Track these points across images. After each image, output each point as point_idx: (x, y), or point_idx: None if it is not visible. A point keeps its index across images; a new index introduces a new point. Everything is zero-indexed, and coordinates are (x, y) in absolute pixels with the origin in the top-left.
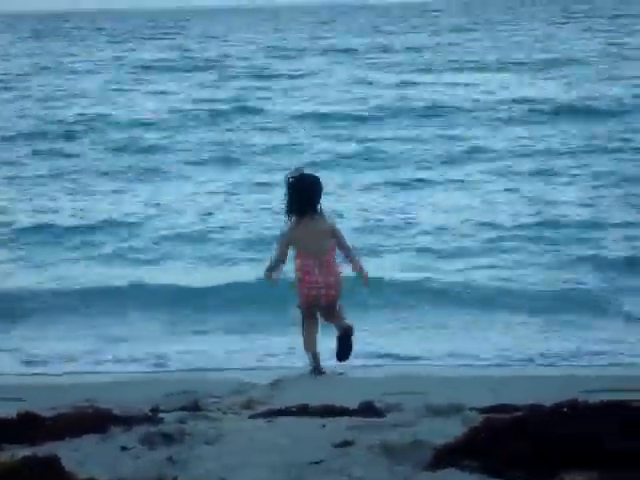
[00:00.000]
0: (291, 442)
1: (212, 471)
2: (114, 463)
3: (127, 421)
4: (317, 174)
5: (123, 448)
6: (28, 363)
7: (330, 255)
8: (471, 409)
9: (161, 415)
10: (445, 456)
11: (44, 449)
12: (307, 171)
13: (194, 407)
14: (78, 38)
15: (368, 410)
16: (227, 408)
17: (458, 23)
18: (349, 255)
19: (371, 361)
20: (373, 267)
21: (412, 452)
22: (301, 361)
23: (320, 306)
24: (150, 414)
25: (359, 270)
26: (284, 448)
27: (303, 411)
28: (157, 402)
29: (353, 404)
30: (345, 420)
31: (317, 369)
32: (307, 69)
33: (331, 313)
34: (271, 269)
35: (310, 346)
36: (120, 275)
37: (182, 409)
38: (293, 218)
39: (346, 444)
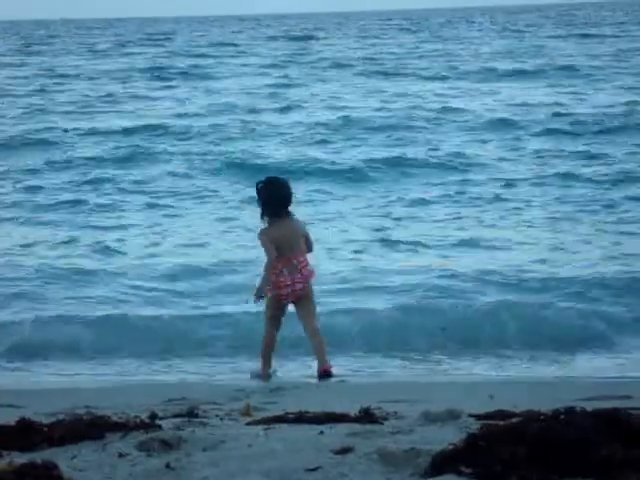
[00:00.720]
0: (289, 449)
1: (210, 478)
2: (112, 470)
3: (125, 427)
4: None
5: (121, 455)
6: (24, 368)
7: (300, 255)
8: (469, 416)
9: (159, 422)
10: (443, 463)
11: (42, 456)
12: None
13: (192, 414)
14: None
15: (367, 417)
16: (225, 415)
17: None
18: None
19: (369, 368)
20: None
21: (410, 459)
22: (300, 368)
23: (289, 302)
24: (148, 421)
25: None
26: (282, 455)
27: (301, 418)
28: (155, 408)
29: (352, 411)
30: (343, 427)
31: (263, 374)
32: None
33: (305, 306)
34: (263, 286)
35: (266, 353)
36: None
37: (180, 416)
38: (267, 220)
39: (344, 451)
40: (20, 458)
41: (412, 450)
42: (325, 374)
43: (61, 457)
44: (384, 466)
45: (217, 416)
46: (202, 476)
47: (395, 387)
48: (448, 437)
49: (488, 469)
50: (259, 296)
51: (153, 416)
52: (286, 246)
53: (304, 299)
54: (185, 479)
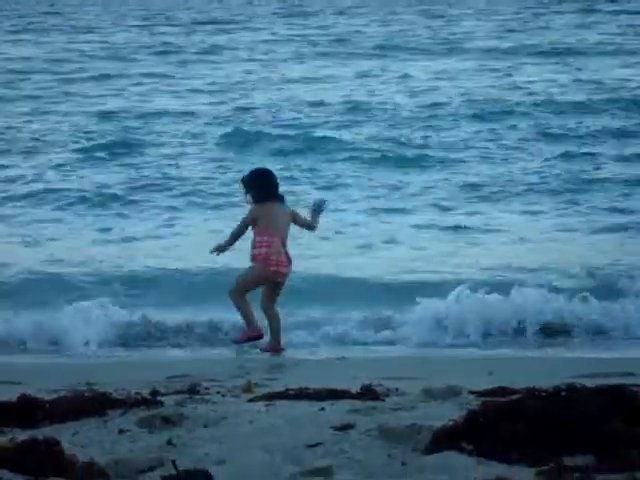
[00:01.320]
0: (290, 425)
1: (211, 454)
2: (113, 446)
3: (126, 404)
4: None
5: (122, 431)
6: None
7: (285, 237)
8: (469, 392)
9: (160, 398)
10: (443, 439)
11: (44, 432)
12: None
13: (193, 390)
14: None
15: (368, 393)
16: (227, 391)
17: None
18: (307, 222)
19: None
20: None
21: (411, 435)
22: (301, 345)
23: (273, 281)
24: (149, 397)
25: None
26: (283, 431)
27: (302, 394)
28: (156, 385)
29: (353, 387)
30: (345, 403)
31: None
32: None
33: (275, 290)
34: (223, 246)
35: (250, 319)
36: None
37: (181, 392)
38: (258, 204)
39: (345, 427)
40: (22, 435)
41: (413, 426)
42: (274, 351)
43: (63, 433)
44: (385, 442)
45: (218, 393)
46: (203, 452)
47: (396, 364)
48: (449, 413)
49: (489, 446)
50: (218, 250)
51: (154, 393)
52: (273, 223)
53: (280, 284)
54: (186, 455)
